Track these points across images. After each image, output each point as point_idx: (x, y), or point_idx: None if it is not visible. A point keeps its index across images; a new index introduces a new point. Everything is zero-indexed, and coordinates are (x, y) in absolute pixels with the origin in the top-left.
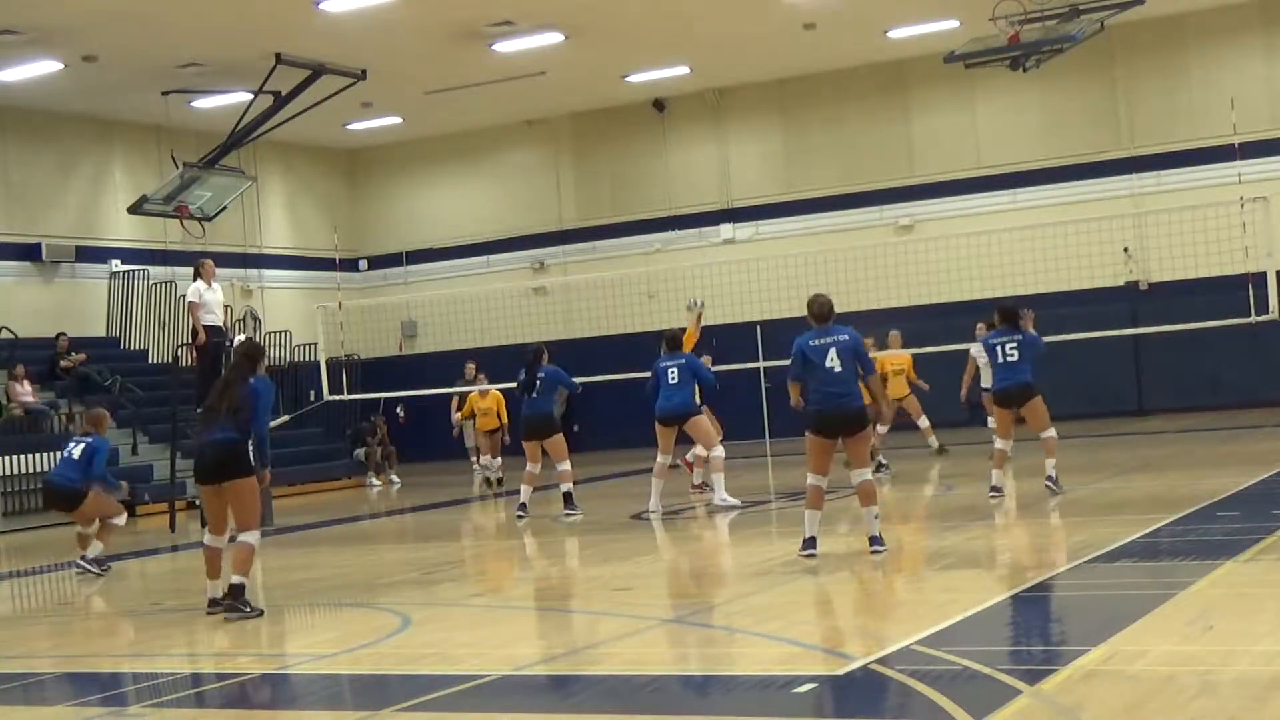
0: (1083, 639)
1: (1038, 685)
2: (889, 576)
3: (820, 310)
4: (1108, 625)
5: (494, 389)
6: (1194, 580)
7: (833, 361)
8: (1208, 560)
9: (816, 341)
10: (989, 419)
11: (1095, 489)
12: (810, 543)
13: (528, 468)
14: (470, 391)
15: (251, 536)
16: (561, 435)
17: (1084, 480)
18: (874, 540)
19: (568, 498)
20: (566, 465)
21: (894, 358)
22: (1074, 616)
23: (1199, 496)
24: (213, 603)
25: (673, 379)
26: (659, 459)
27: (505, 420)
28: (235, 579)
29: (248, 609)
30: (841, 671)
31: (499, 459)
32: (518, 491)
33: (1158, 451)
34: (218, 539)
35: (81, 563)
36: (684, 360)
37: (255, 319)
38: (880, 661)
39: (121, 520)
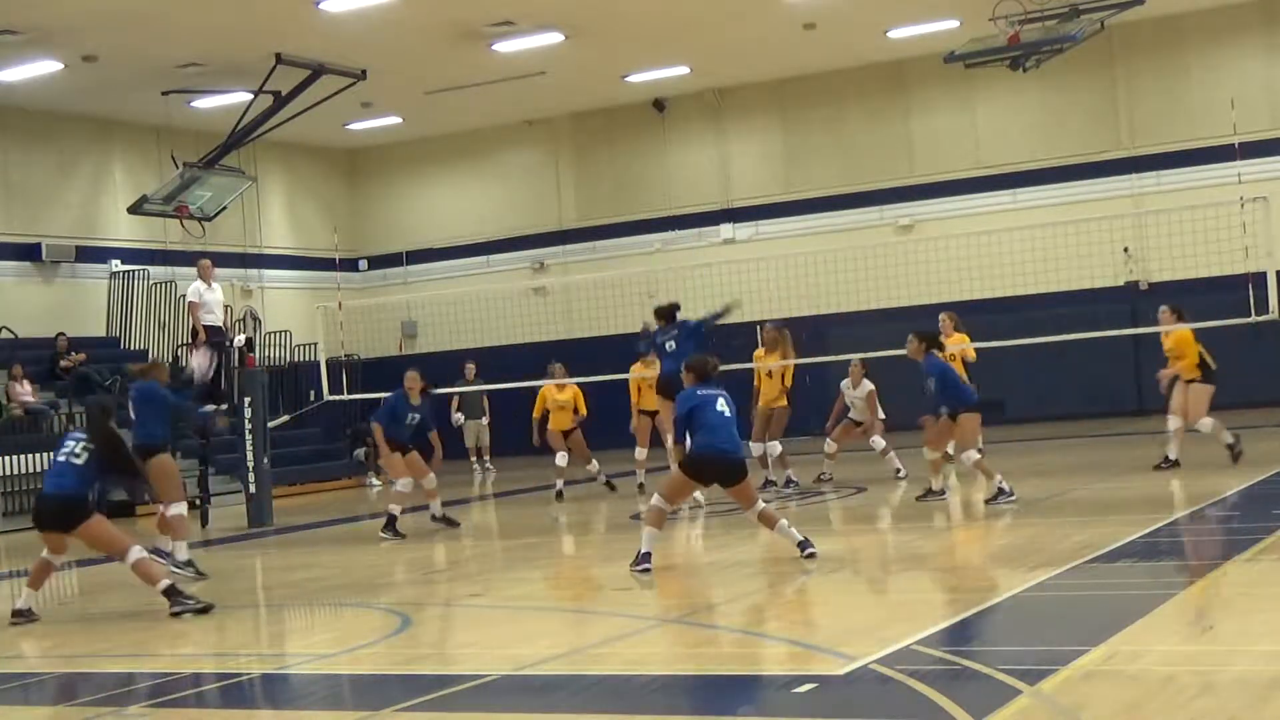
0: (1083, 639)
1: (1038, 685)
2: (889, 577)
3: (707, 370)
4: (1108, 625)
5: (571, 382)
6: (1194, 580)
7: (723, 407)
8: (1208, 560)
9: (704, 392)
10: (829, 443)
11: (1095, 489)
12: (646, 557)
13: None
14: (543, 385)
15: (135, 553)
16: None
17: (1084, 480)
18: (804, 545)
19: (390, 520)
20: (398, 485)
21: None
22: (1074, 616)
23: (1199, 496)
24: (16, 614)
25: (670, 349)
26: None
27: (584, 412)
28: (161, 585)
29: (191, 602)
30: (841, 671)
31: (594, 461)
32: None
33: (1158, 451)
34: (56, 557)
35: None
36: (678, 329)
37: (255, 319)
38: (880, 661)
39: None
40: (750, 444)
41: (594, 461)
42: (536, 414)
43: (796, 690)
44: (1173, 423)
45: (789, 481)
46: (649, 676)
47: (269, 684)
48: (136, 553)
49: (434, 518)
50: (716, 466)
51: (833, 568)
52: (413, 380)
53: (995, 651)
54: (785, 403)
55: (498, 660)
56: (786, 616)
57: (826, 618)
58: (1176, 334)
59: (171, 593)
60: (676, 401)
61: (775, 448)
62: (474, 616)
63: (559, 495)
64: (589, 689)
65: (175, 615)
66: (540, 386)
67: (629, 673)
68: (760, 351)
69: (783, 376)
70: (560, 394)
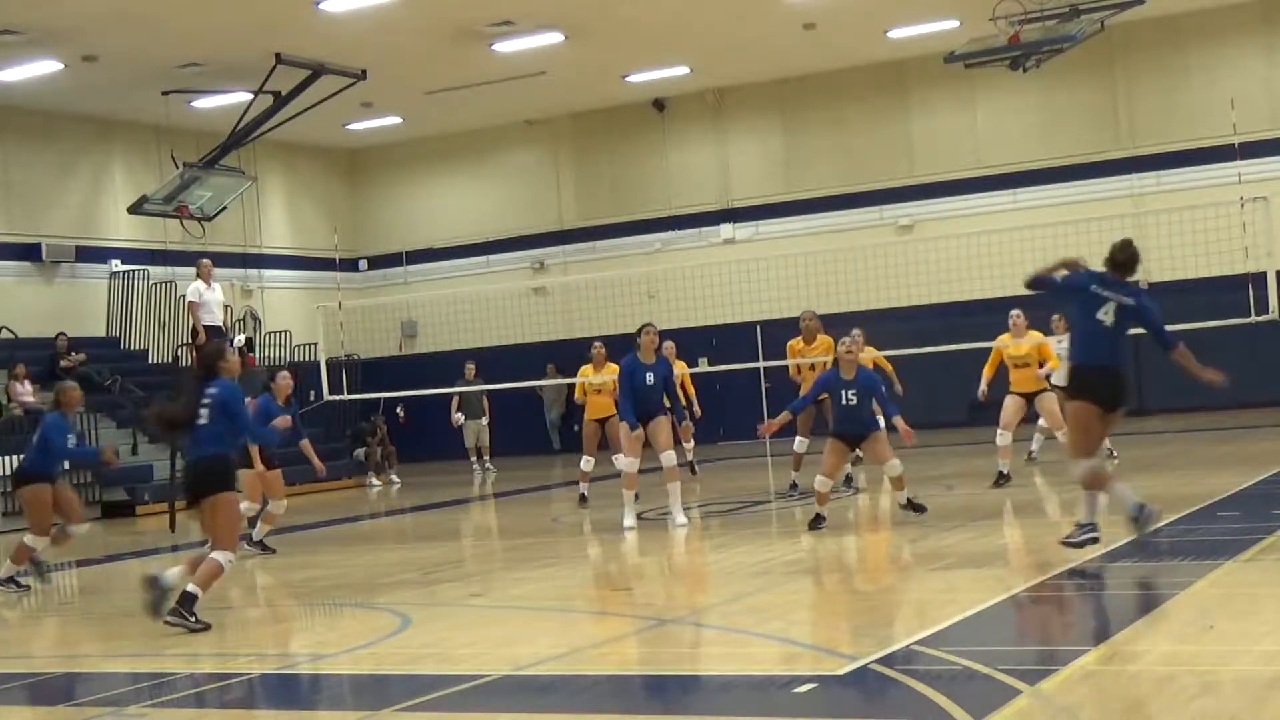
0: (1083, 639)
1: (1038, 685)
2: (889, 576)
3: (1128, 263)
4: (1108, 625)
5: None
6: (1194, 580)
7: (1105, 315)
8: (1208, 560)
9: (1099, 288)
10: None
11: None
12: (1091, 527)
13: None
14: (583, 375)
15: (222, 556)
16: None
17: None
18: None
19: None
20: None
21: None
22: (1074, 616)
23: (1199, 496)
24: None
25: (650, 381)
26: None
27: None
28: (190, 588)
29: (191, 620)
30: (841, 671)
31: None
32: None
33: (1158, 451)
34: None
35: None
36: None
37: (255, 319)
38: (880, 661)
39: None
40: (797, 439)
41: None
42: (579, 395)
43: (796, 690)
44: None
45: (848, 480)
46: (649, 676)
47: (269, 684)
48: (229, 557)
49: (251, 540)
50: (1102, 378)
51: (832, 568)
52: (285, 380)
53: (995, 651)
54: None
55: (498, 660)
56: (786, 616)
57: (826, 618)
58: (1041, 340)
59: (190, 601)
60: (1063, 281)
61: None
62: (474, 616)
63: (583, 499)
64: (589, 689)
65: (169, 623)
66: (553, 377)
67: (629, 673)
68: (797, 342)
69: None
70: (595, 379)
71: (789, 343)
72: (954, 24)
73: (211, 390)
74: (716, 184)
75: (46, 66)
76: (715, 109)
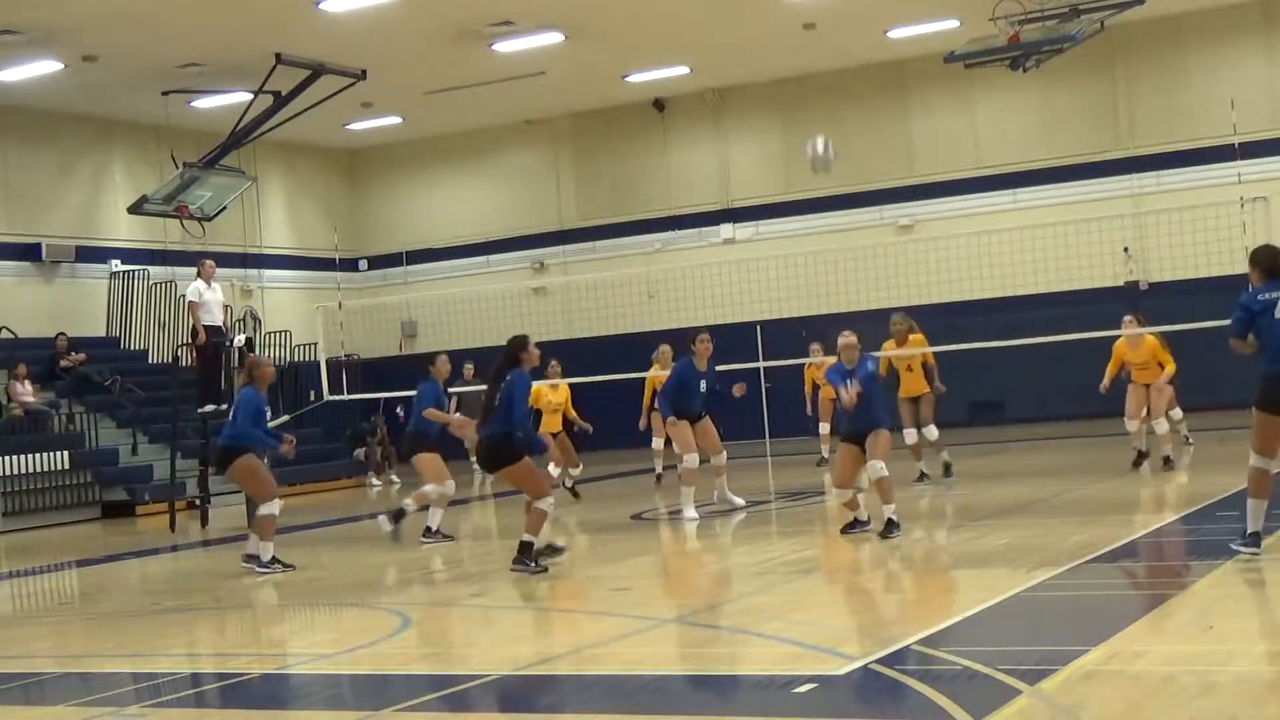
0: (1083, 639)
1: (1038, 685)
2: (889, 576)
3: (1269, 261)
4: (1108, 625)
5: (564, 383)
6: (1194, 580)
7: None
8: (1208, 560)
9: (1266, 295)
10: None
11: (1095, 489)
12: (1254, 539)
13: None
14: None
15: (544, 504)
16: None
17: (1084, 480)
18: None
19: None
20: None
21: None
22: (1074, 616)
23: (1199, 496)
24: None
25: (703, 389)
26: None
27: (576, 417)
28: (525, 537)
29: (532, 565)
30: (841, 671)
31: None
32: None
33: (1158, 451)
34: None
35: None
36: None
37: (255, 319)
38: (880, 661)
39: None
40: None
41: (580, 466)
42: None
43: (796, 690)
44: (1163, 425)
45: (947, 469)
46: (649, 676)
47: (269, 684)
48: (549, 503)
49: (429, 530)
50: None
51: (832, 568)
52: (444, 364)
53: (995, 651)
54: (929, 389)
55: (498, 660)
56: (786, 616)
57: (826, 618)
58: (1157, 343)
59: (525, 549)
60: (1241, 310)
61: (932, 432)
62: (474, 616)
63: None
64: (589, 689)
65: (514, 570)
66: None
67: (629, 673)
68: (891, 344)
69: (923, 365)
70: (554, 395)
71: (884, 344)
72: (954, 24)
73: (509, 376)
74: (716, 184)
75: (46, 66)
76: (715, 109)
